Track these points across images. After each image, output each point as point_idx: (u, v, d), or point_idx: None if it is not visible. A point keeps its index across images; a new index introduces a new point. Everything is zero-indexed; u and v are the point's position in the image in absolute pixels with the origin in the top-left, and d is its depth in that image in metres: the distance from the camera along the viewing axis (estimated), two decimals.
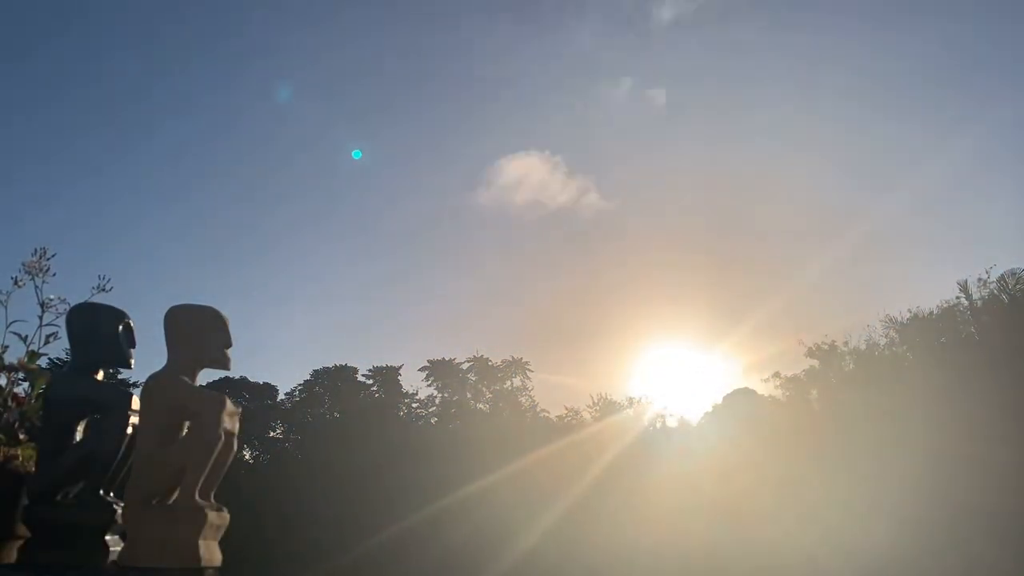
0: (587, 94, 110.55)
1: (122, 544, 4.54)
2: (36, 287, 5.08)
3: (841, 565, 41.03)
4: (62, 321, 4.96)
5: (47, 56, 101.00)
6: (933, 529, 39.51)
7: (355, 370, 66.73)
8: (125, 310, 5.06)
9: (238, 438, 4.78)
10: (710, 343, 77.02)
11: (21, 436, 4.98)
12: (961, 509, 39.71)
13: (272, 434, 65.47)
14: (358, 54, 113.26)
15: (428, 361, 67.38)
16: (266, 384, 65.39)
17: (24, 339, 5.04)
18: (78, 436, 4.81)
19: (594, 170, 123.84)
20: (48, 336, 5.07)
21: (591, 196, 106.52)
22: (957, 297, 52.39)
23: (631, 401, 64.50)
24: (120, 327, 4.97)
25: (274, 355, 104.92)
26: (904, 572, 39.16)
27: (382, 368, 66.76)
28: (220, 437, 4.53)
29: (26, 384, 5.14)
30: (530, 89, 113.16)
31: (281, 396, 66.54)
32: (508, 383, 68.24)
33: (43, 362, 5.20)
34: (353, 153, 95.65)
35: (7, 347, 5.03)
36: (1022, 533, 37.56)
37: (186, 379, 4.66)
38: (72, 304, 5.00)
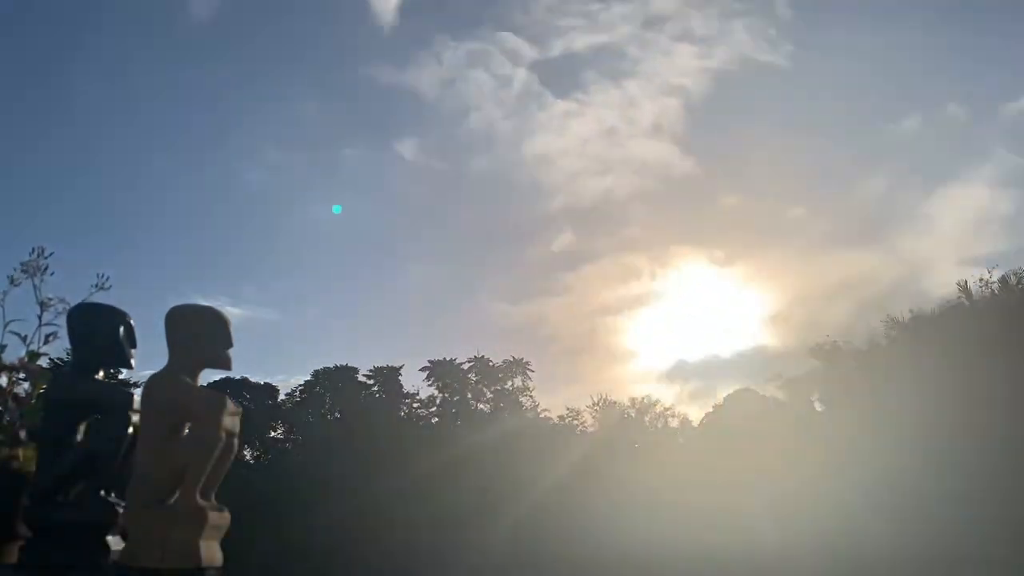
0: None
1: (122, 544, 4.53)
2: (35, 286, 5.06)
3: (842, 564, 40.99)
4: (62, 321, 4.95)
5: (48, 55, 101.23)
6: (934, 527, 39.48)
7: (356, 370, 66.74)
8: (125, 310, 5.05)
9: (239, 438, 4.77)
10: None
11: (21, 436, 4.96)
12: (964, 507, 39.68)
13: (273, 434, 65.51)
14: None
15: (429, 361, 67.41)
16: (267, 384, 65.46)
17: (24, 339, 5.02)
18: (79, 436, 4.81)
19: None
20: (48, 336, 5.06)
21: None
22: (958, 297, 52.37)
23: (633, 401, 64.64)
24: (121, 327, 4.96)
25: (275, 355, 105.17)
26: (904, 570, 39.14)
27: (383, 368, 66.75)
28: (221, 437, 4.51)
29: (27, 384, 5.13)
30: None
31: (282, 396, 66.60)
32: (509, 383, 68.23)
33: (43, 362, 5.18)
34: (333, 208, 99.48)
35: (6, 347, 5.01)
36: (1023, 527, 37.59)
37: (187, 379, 4.65)
38: (71, 304, 4.99)
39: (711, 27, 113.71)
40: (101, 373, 4.99)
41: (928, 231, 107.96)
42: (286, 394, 66.73)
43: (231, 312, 4.96)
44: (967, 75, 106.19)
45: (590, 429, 64.42)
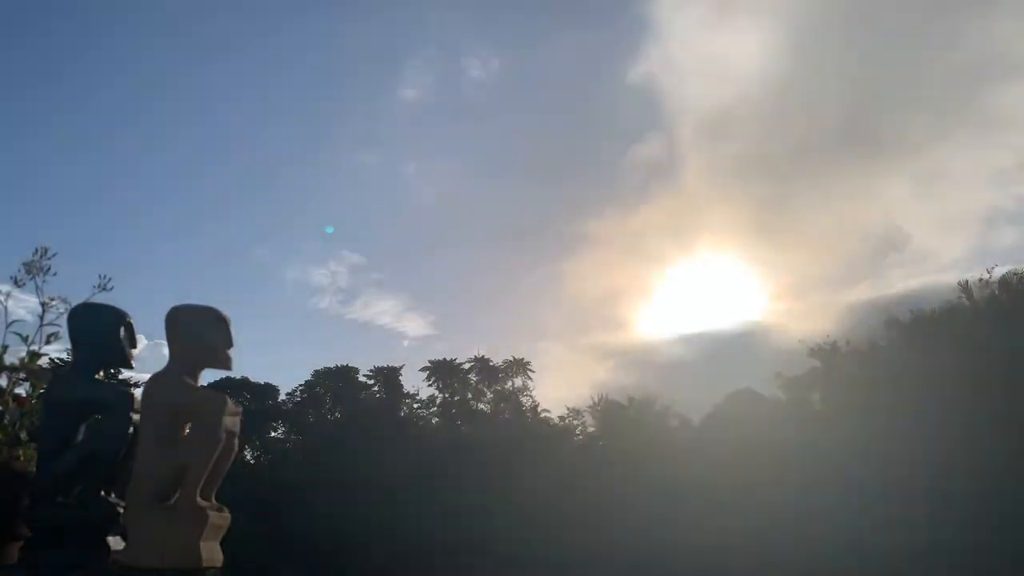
0: None
1: (122, 544, 4.53)
2: (37, 287, 5.06)
3: (841, 562, 41.00)
4: (63, 321, 4.95)
5: (47, 54, 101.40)
6: (934, 525, 39.49)
7: (356, 370, 66.78)
8: (126, 310, 5.05)
9: (239, 438, 4.77)
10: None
11: (22, 436, 4.96)
12: (964, 506, 39.70)
13: (273, 434, 65.53)
14: None
15: (430, 361, 67.48)
16: (267, 384, 65.45)
17: (25, 339, 5.02)
18: (79, 436, 4.81)
19: None
20: (49, 336, 5.05)
21: None
22: (959, 297, 52.41)
23: (632, 401, 64.57)
24: (121, 327, 4.96)
25: (275, 355, 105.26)
26: (903, 566, 39.16)
27: (383, 368, 66.77)
28: (221, 438, 4.52)
29: (27, 384, 5.13)
30: None
31: (282, 396, 66.62)
32: (510, 383, 68.27)
33: (44, 362, 5.18)
34: (326, 229, 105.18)
35: (7, 347, 5.01)
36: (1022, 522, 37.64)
37: (187, 379, 4.65)
38: (73, 304, 4.99)
39: None
40: (101, 373, 4.99)
41: None
42: (286, 394, 66.79)
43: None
44: None
45: (590, 429, 64.43)
